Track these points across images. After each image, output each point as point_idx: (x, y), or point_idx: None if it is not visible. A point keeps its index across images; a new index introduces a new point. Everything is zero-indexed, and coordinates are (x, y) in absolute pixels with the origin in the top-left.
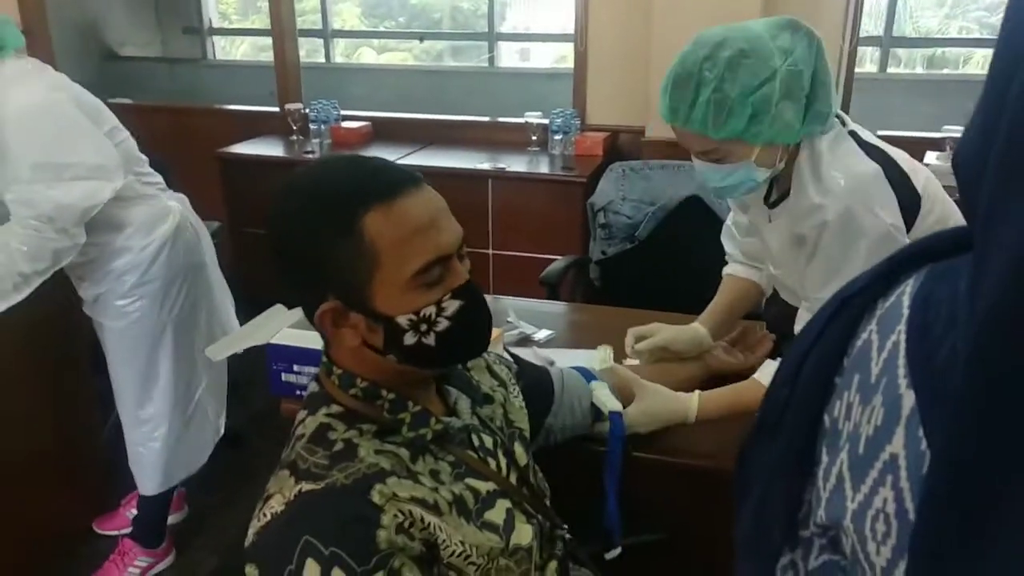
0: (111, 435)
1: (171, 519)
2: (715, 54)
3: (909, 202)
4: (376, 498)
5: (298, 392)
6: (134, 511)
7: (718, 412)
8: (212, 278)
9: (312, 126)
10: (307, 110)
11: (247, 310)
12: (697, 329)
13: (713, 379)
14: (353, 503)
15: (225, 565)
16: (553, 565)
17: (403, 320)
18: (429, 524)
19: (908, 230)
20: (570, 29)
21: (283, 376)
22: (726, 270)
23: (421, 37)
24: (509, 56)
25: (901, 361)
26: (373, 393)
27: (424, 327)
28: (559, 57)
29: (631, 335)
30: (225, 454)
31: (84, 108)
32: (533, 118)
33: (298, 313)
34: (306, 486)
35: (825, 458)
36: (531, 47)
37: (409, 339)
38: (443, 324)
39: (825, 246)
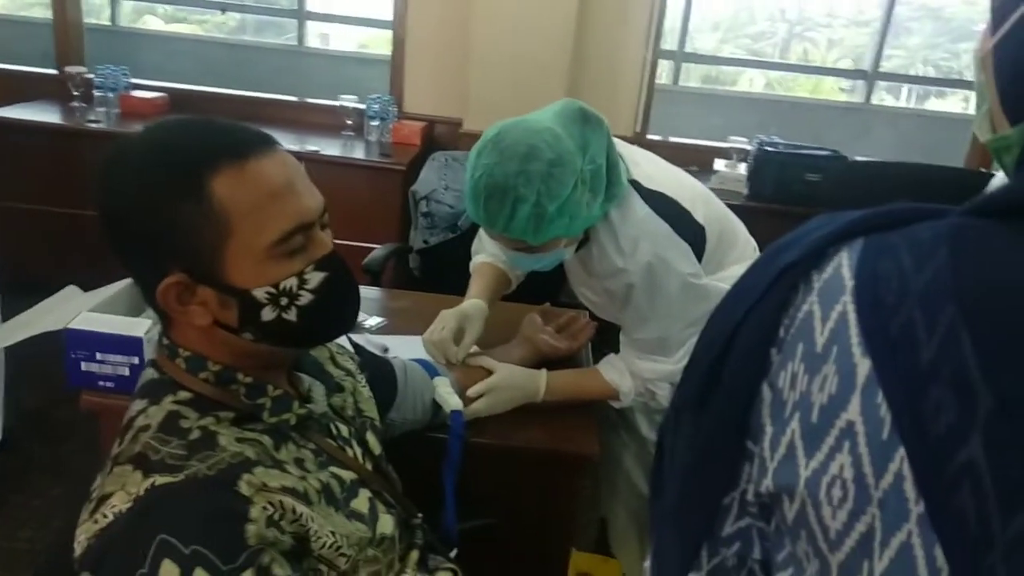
0: None
1: None
2: (526, 168)
3: (696, 237)
4: (244, 489)
5: (101, 383)
6: None
7: (562, 393)
8: None
9: (97, 93)
10: (91, 75)
11: (13, 293)
12: (479, 304)
13: (540, 363)
14: (218, 496)
15: None
16: (414, 555)
17: (260, 294)
18: (301, 515)
19: (700, 257)
20: (378, 15)
21: (83, 365)
22: (480, 259)
23: (223, 8)
24: (310, 39)
25: (853, 331)
26: (228, 377)
27: (285, 301)
28: (360, 44)
29: (443, 345)
30: None
31: None
32: (348, 102)
33: (96, 296)
34: (160, 479)
35: (770, 428)
36: (331, 31)
37: (268, 315)
38: (306, 298)
39: (635, 302)
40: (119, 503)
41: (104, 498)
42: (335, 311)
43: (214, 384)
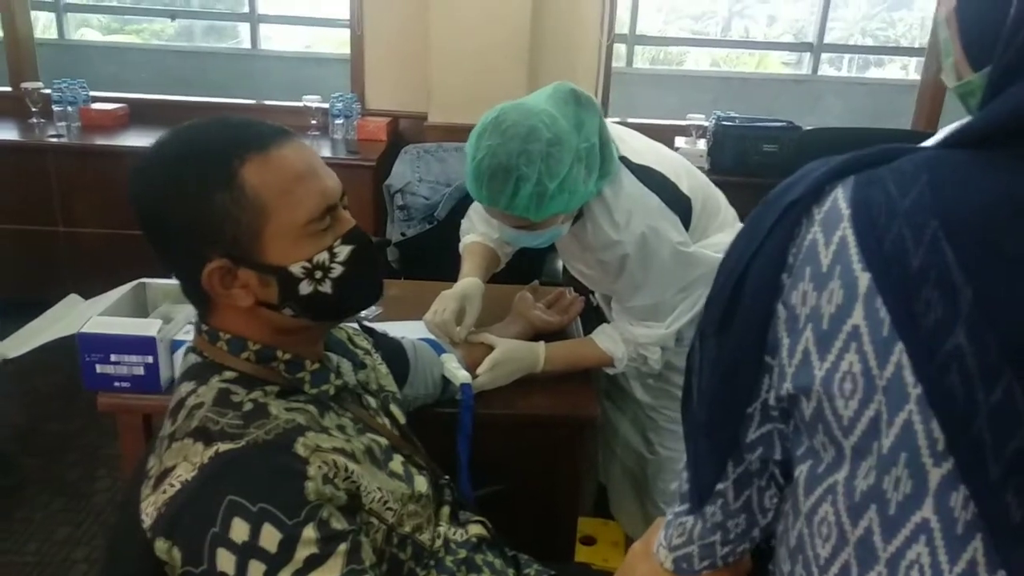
0: None
1: None
2: (527, 148)
3: (682, 207)
4: (300, 450)
5: (117, 383)
6: None
7: (561, 362)
8: None
9: (56, 107)
10: (48, 90)
11: None
12: (477, 283)
13: (535, 338)
14: (278, 457)
15: None
16: (446, 510)
17: (297, 269)
18: (352, 472)
19: (687, 226)
20: (322, 13)
21: (98, 368)
22: (471, 238)
23: (173, 15)
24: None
25: (852, 251)
26: (268, 355)
27: (319, 274)
28: (305, 44)
29: (446, 326)
30: None
31: None
32: (312, 102)
33: (101, 302)
34: (223, 447)
35: (786, 340)
36: (274, 33)
37: (305, 288)
38: (337, 270)
39: (629, 271)
40: (184, 472)
41: (167, 471)
42: (364, 280)
43: (255, 363)
